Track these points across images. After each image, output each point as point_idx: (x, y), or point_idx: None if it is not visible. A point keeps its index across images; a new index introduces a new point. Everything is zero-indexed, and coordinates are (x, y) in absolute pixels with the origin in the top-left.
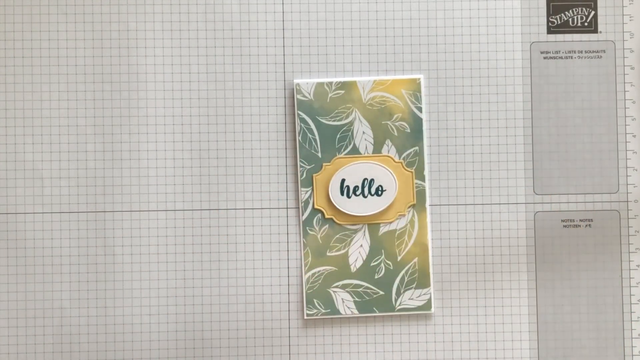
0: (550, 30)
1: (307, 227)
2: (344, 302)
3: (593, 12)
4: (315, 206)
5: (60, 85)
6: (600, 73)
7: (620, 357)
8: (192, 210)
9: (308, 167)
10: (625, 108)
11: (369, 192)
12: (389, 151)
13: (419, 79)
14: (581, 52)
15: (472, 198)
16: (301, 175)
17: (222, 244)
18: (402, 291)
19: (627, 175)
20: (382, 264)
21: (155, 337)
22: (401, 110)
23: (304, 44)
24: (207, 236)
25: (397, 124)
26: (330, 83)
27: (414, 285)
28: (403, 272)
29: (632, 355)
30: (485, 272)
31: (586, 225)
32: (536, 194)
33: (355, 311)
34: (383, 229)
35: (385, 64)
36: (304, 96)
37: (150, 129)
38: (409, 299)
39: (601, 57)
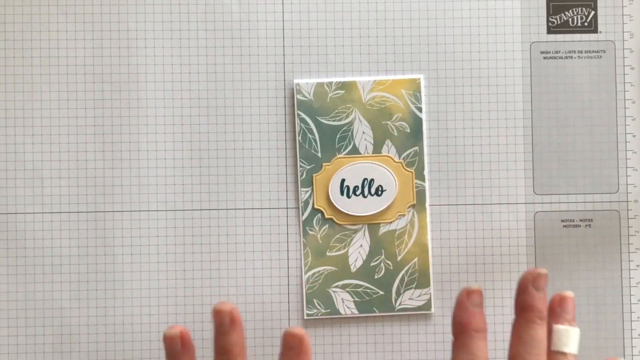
0: (550, 30)
1: (307, 227)
2: (344, 302)
3: (593, 12)
4: (315, 206)
5: (60, 85)
6: (600, 73)
7: (620, 357)
8: (192, 210)
9: (308, 167)
10: (625, 108)
11: (369, 192)
12: (389, 151)
13: (419, 79)
14: (581, 52)
15: (472, 198)
16: (301, 175)
17: (222, 244)
18: (402, 291)
19: (627, 175)
20: (382, 264)
21: (155, 337)
22: (401, 110)
23: (304, 44)
24: (207, 236)
25: (397, 124)
26: (330, 83)
27: (414, 285)
28: (403, 272)
29: (632, 355)
30: (485, 272)
31: (586, 225)
32: (536, 194)
33: (355, 311)
34: (383, 229)
35: (385, 64)
36: (304, 96)
37: (150, 129)
38: (409, 299)
39: (601, 57)
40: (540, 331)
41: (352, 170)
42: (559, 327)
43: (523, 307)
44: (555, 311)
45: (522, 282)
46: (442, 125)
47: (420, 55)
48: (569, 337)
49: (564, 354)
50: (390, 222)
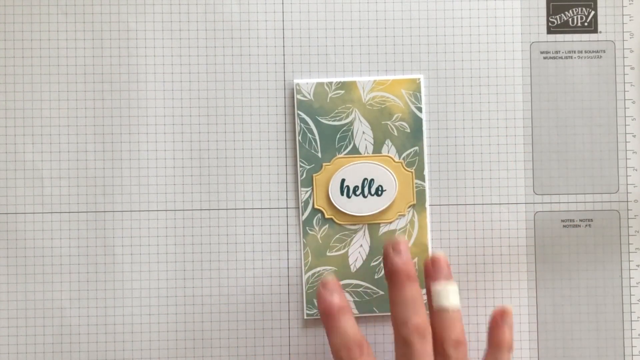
0: (550, 30)
1: (307, 227)
2: None
3: (593, 12)
4: (315, 206)
5: (60, 85)
6: (600, 73)
7: (620, 357)
8: (192, 210)
9: (308, 167)
10: (625, 108)
11: (369, 192)
12: (389, 151)
13: (419, 79)
14: (581, 52)
15: (472, 198)
16: (301, 175)
17: (222, 244)
18: None
19: (627, 175)
20: (382, 264)
21: (155, 337)
22: (401, 110)
23: (304, 44)
24: (207, 236)
25: (397, 124)
26: (330, 83)
27: None
28: None
29: (632, 355)
30: (485, 272)
31: (586, 225)
32: (536, 194)
33: (355, 311)
34: (383, 229)
35: (385, 64)
36: (304, 96)
37: (150, 129)
38: None
39: (601, 57)
40: (413, 289)
41: (352, 170)
42: (435, 286)
43: (390, 272)
44: (430, 272)
45: (384, 251)
46: (442, 125)
47: (420, 55)
48: (447, 292)
49: (445, 309)
50: (390, 222)
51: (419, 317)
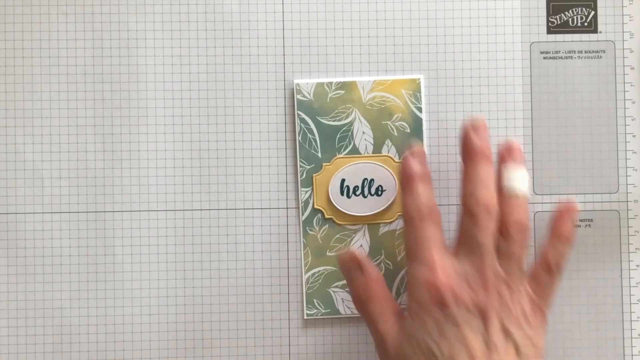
0: (550, 30)
1: (307, 227)
2: (344, 302)
3: (593, 12)
4: (315, 206)
5: (60, 85)
6: (600, 73)
7: (620, 357)
8: (192, 210)
9: (308, 167)
10: (625, 108)
11: (369, 192)
12: (389, 151)
13: (419, 79)
14: (581, 52)
15: None
16: (301, 175)
17: (222, 244)
18: (402, 291)
19: (627, 175)
20: (382, 264)
21: (155, 337)
22: (401, 110)
23: (304, 44)
24: (207, 236)
25: (397, 124)
26: (330, 83)
27: None
28: (403, 272)
29: (632, 355)
30: None
31: (586, 225)
32: (536, 194)
33: (355, 311)
34: (383, 229)
35: (385, 64)
36: (304, 96)
37: (150, 129)
38: None
39: (601, 57)
40: (486, 169)
41: (352, 170)
42: (506, 168)
43: (467, 149)
44: (504, 155)
45: (463, 129)
46: (442, 125)
47: (420, 55)
48: (517, 174)
49: (514, 191)
50: (390, 222)
51: (488, 193)
